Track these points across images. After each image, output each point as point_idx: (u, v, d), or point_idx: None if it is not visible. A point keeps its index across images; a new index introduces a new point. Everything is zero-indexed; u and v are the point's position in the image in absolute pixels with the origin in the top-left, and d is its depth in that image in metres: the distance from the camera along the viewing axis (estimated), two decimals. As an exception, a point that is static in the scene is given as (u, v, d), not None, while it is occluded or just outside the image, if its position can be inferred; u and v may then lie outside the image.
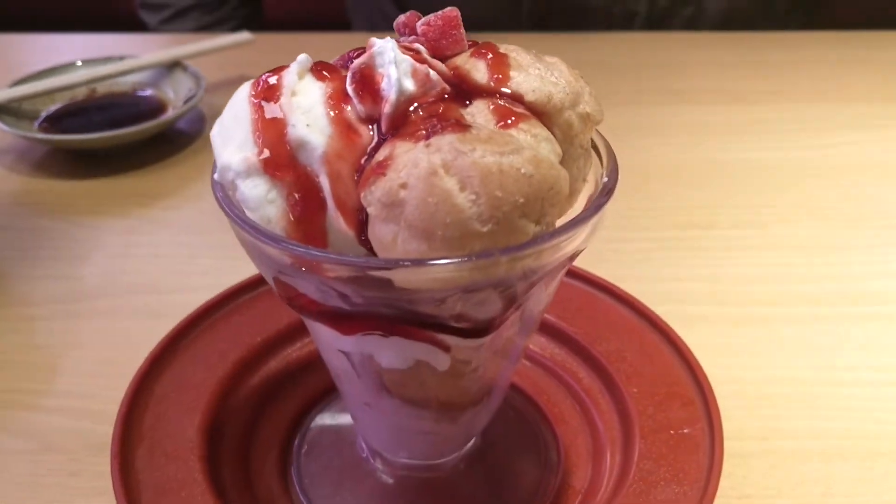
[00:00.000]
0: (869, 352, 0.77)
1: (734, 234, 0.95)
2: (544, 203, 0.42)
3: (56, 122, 1.14)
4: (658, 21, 1.54)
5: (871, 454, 0.67)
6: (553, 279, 0.50)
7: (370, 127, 0.46)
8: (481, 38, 0.51)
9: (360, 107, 0.46)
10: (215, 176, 0.48)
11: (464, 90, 0.47)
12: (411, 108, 0.46)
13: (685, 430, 0.61)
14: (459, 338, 0.48)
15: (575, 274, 0.75)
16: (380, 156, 0.44)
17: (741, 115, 1.23)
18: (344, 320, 0.48)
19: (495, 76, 0.47)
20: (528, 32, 1.52)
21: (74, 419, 0.70)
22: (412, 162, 0.42)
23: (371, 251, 0.44)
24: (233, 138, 0.47)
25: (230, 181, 0.47)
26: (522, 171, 0.41)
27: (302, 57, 0.49)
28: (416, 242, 0.42)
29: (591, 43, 1.46)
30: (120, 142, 1.07)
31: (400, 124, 0.45)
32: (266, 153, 0.46)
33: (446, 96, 0.47)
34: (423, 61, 0.47)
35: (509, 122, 0.44)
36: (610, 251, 0.90)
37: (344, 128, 0.46)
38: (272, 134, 0.46)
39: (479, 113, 0.46)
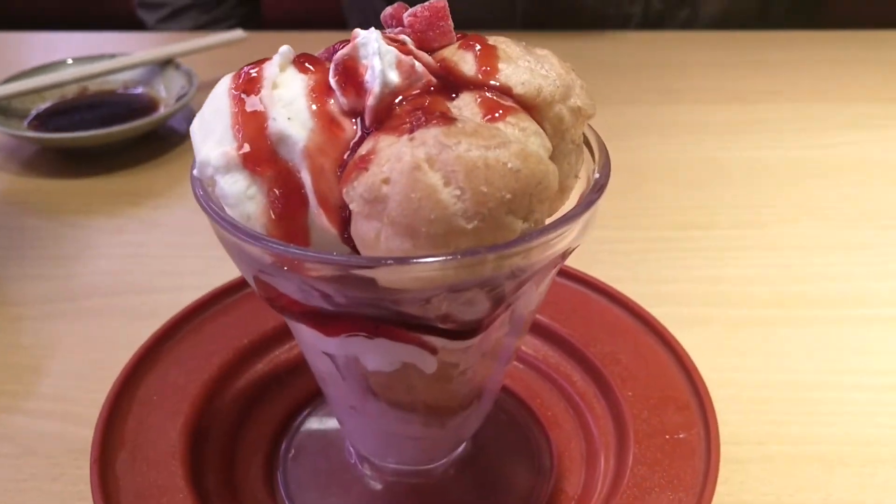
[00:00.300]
0: (870, 355, 0.76)
1: (733, 234, 0.94)
2: (532, 199, 0.41)
3: (46, 120, 1.12)
4: (653, 24, 1.55)
5: (873, 460, 0.65)
6: (544, 278, 0.49)
7: (354, 120, 0.45)
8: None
9: (343, 100, 0.45)
10: (194, 172, 0.47)
11: (451, 82, 0.46)
12: (396, 101, 0.44)
13: (681, 435, 0.59)
14: (447, 339, 0.46)
15: (569, 274, 0.73)
16: (363, 150, 0.42)
17: (741, 114, 1.22)
18: (327, 321, 0.47)
19: (483, 68, 0.46)
20: (524, 31, 1.52)
21: (57, 422, 0.69)
22: (395, 156, 0.40)
23: (355, 249, 0.43)
24: (213, 132, 0.46)
25: (209, 177, 0.45)
26: (509, 165, 0.40)
27: (284, 48, 0.47)
28: (400, 240, 0.40)
29: (588, 42, 1.45)
30: (110, 140, 1.06)
31: (384, 118, 0.44)
32: (246, 147, 0.44)
33: (432, 89, 0.45)
34: (408, 52, 0.46)
35: (497, 115, 0.43)
36: (606, 252, 0.89)
37: (326, 121, 0.44)
38: (252, 128, 0.44)
39: (465, 106, 0.44)
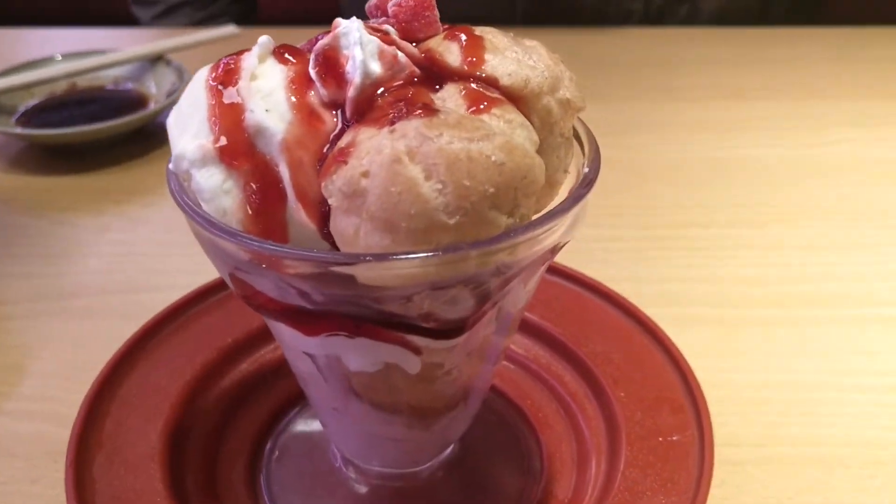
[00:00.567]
0: (871, 355, 0.74)
1: (731, 232, 0.92)
2: (517, 193, 0.39)
3: (34, 116, 1.11)
4: (653, 20, 1.54)
5: (873, 462, 0.64)
6: (532, 275, 0.47)
7: (334, 112, 0.43)
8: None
9: (323, 91, 0.43)
10: (170, 166, 0.45)
11: (435, 73, 0.44)
12: (378, 93, 0.43)
13: (674, 437, 0.57)
14: (430, 339, 0.45)
15: (561, 272, 0.72)
16: (342, 142, 0.41)
17: (739, 112, 1.20)
18: (307, 320, 0.45)
19: (469, 59, 0.44)
20: (524, 28, 1.51)
21: (37, 424, 0.67)
22: (375, 148, 0.39)
23: (334, 245, 0.42)
24: (189, 125, 0.45)
25: (185, 170, 0.44)
26: (493, 158, 0.38)
27: (263, 39, 0.46)
28: (379, 235, 0.39)
29: (588, 39, 1.44)
30: (98, 137, 1.05)
31: (365, 109, 0.42)
32: (222, 140, 0.43)
33: (416, 80, 0.44)
34: (391, 43, 0.44)
35: (482, 106, 0.41)
36: (602, 250, 0.88)
37: (306, 113, 0.43)
38: (229, 120, 0.43)
39: (450, 97, 0.43)
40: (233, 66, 0.45)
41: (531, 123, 0.43)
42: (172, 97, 1.09)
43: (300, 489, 0.60)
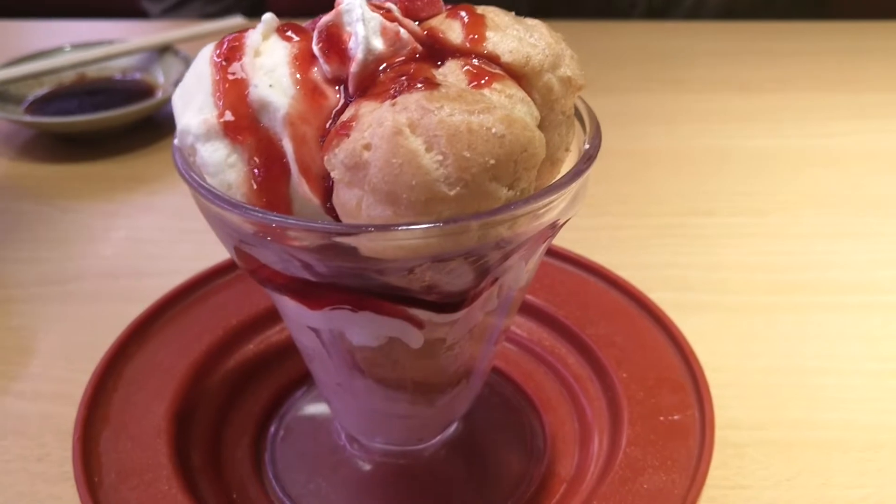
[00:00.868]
0: (870, 341, 0.74)
1: (736, 221, 0.93)
2: (517, 166, 0.40)
3: (43, 105, 1.12)
4: (658, 13, 1.54)
5: (872, 445, 0.64)
6: (532, 253, 0.48)
7: (337, 88, 0.44)
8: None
9: (326, 67, 0.44)
10: (175, 141, 0.46)
11: (437, 50, 0.44)
12: (380, 69, 0.43)
13: (675, 417, 0.58)
14: (432, 312, 0.45)
15: (565, 257, 0.72)
16: (345, 116, 0.41)
17: (745, 104, 1.21)
18: (311, 293, 0.46)
19: (471, 36, 0.45)
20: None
21: (44, 404, 0.68)
22: (377, 121, 0.39)
23: (337, 219, 0.42)
24: (193, 101, 0.45)
25: (189, 145, 0.44)
26: (493, 130, 0.39)
27: (267, 16, 0.46)
28: (381, 207, 0.39)
29: (593, 31, 1.44)
30: (106, 125, 1.05)
31: (368, 85, 0.43)
32: (227, 115, 0.43)
33: (417, 56, 0.44)
34: (393, 20, 0.45)
35: (482, 81, 0.42)
36: (608, 238, 0.88)
37: (309, 89, 0.43)
38: (233, 95, 0.44)
39: (451, 73, 0.43)
40: (237, 42, 0.45)
41: (532, 100, 0.44)
42: (179, 87, 1.10)
43: (304, 467, 0.61)
